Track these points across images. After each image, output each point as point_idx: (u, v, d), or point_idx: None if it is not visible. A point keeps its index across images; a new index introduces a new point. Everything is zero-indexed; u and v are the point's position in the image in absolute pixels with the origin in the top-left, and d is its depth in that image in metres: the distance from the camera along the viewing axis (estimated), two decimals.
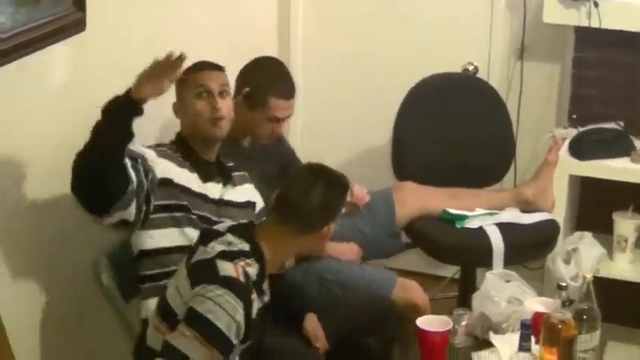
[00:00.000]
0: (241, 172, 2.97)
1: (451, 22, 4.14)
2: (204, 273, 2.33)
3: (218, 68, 2.87)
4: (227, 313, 2.26)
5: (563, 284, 2.59)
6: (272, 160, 3.33)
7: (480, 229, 3.48)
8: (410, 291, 3.16)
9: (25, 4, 2.62)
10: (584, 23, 3.74)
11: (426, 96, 3.83)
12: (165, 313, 2.40)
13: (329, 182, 2.50)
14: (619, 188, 3.73)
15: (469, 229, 3.49)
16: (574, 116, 3.95)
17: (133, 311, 2.81)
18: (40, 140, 2.75)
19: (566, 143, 3.81)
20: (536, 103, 4.11)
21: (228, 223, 2.54)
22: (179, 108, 2.87)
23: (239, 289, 2.29)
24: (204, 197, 2.79)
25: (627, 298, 3.71)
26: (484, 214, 3.53)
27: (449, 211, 3.52)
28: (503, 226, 3.49)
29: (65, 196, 2.72)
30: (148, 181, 2.66)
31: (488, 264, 3.38)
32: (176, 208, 2.73)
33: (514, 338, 2.61)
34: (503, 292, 2.85)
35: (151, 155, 2.72)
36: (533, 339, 2.55)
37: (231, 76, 3.17)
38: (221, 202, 2.83)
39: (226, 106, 2.83)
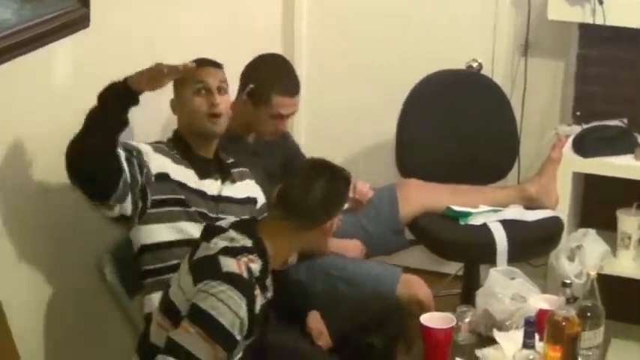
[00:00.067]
0: (241, 168, 2.96)
1: (455, 19, 4.14)
2: (206, 269, 2.33)
3: (216, 65, 2.86)
4: (230, 309, 2.25)
5: (567, 281, 2.59)
6: (276, 156, 3.33)
7: (484, 226, 3.48)
8: (413, 286, 3.15)
9: (30, 0, 2.63)
10: (589, 20, 3.73)
11: (430, 93, 3.83)
12: (169, 309, 2.40)
13: (331, 177, 2.49)
14: (623, 185, 3.72)
15: (473, 226, 3.48)
16: (578, 113, 3.95)
17: (136, 308, 2.81)
18: (45, 135, 2.74)
19: (570, 140, 3.80)
20: (540, 100, 4.10)
21: (230, 219, 2.54)
22: (177, 105, 2.86)
23: (242, 285, 2.29)
24: (201, 194, 2.78)
25: (631, 295, 3.71)
26: (488, 210, 3.53)
27: (452, 207, 3.52)
28: (506, 223, 3.48)
29: (68, 193, 2.73)
30: (142, 176, 2.65)
31: (491, 261, 3.38)
32: (173, 203, 2.72)
33: (518, 335, 2.60)
34: (506, 289, 2.85)
35: (146, 149, 2.72)
36: (537, 336, 2.55)
37: (236, 74, 3.17)
38: (220, 199, 2.82)
39: (224, 103, 2.82)
